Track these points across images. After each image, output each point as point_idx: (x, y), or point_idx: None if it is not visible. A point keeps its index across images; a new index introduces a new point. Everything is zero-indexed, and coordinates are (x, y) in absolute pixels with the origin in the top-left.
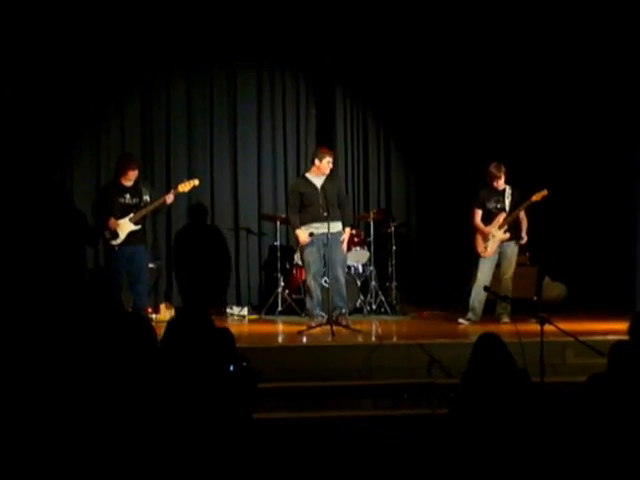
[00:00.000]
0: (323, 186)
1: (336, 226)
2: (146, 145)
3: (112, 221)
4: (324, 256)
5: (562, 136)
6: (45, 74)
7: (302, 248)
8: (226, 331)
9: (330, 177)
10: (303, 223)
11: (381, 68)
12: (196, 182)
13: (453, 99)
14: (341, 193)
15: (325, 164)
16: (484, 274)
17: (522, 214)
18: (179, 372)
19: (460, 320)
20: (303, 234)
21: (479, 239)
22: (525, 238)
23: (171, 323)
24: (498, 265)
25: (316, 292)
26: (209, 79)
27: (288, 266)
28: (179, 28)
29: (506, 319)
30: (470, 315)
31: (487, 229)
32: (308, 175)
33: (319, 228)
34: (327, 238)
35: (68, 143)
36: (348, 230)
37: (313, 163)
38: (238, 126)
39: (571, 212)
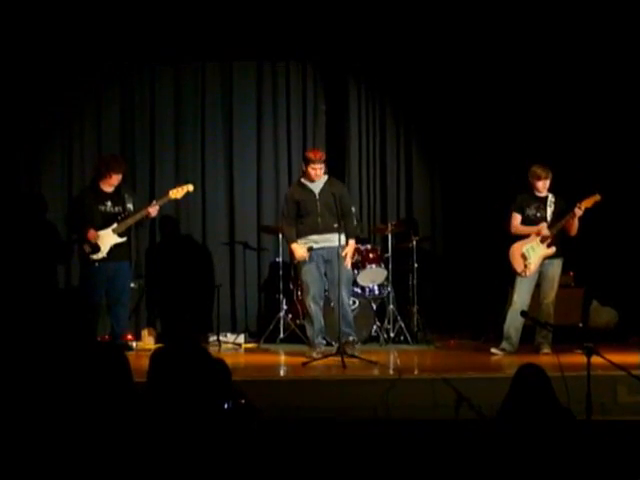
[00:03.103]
0: (322, 193)
1: (338, 239)
2: (126, 147)
3: (92, 232)
4: (325, 274)
5: (617, 137)
6: (9, 62)
7: (299, 266)
8: (220, 362)
9: (331, 182)
10: (300, 236)
11: (401, 57)
12: (190, 187)
13: (486, 92)
14: (344, 200)
15: (310, 170)
16: (521, 297)
17: (575, 222)
18: (166, 413)
19: (493, 350)
20: (300, 249)
21: (516, 255)
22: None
23: (157, 356)
24: (538, 286)
25: (317, 317)
26: (201, 70)
27: (292, 286)
28: (167, 15)
29: (547, 349)
30: (504, 345)
31: (536, 228)
32: (303, 180)
33: (318, 242)
34: (329, 253)
35: (36, 144)
36: (352, 243)
37: (302, 166)
38: (234, 124)
39: (623, 225)
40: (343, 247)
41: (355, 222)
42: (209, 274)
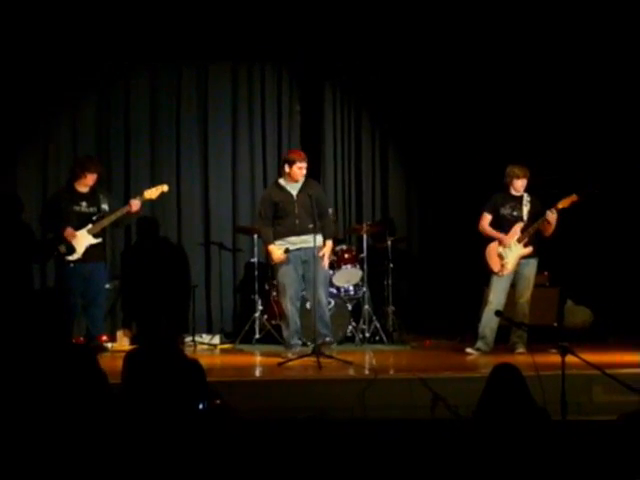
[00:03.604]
0: (300, 194)
1: (316, 240)
2: (102, 148)
3: (69, 231)
4: (303, 276)
5: (590, 138)
6: None
7: (276, 267)
8: (195, 363)
9: (308, 183)
10: (277, 237)
11: (376, 59)
12: (165, 188)
13: (462, 94)
14: (321, 201)
15: (295, 170)
16: (497, 296)
17: (551, 223)
18: (140, 414)
19: (468, 350)
20: (277, 250)
21: (492, 254)
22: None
23: (131, 357)
24: (513, 286)
25: (293, 318)
26: (177, 72)
27: (267, 287)
28: (142, 17)
29: (522, 349)
30: (480, 344)
31: (502, 236)
32: (282, 182)
33: (296, 243)
34: (306, 254)
35: (11, 145)
36: (329, 244)
37: (284, 169)
38: (210, 126)
39: (598, 225)
40: (320, 248)
41: (332, 224)
42: (185, 275)
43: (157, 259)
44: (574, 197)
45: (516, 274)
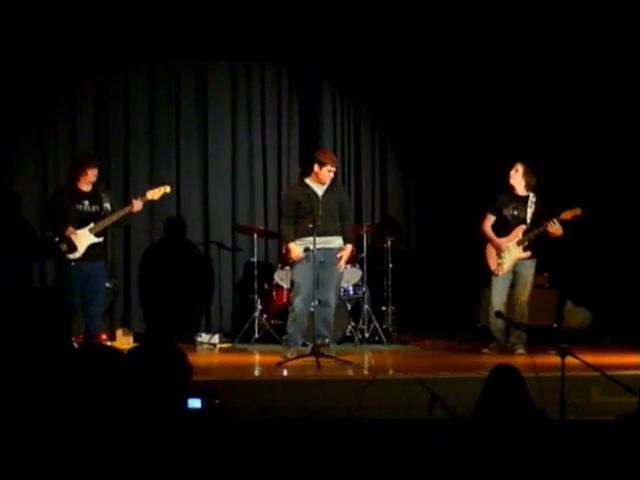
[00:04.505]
0: (325, 195)
1: (335, 242)
2: (100, 147)
3: (71, 230)
4: (317, 276)
5: (590, 139)
6: None
7: (293, 265)
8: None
9: (332, 185)
10: (297, 236)
11: (375, 58)
12: (167, 189)
13: (462, 93)
14: (344, 204)
15: (325, 172)
16: (497, 297)
17: (554, 229)
18: (138, 413)
19: (484, 350)
20: (297, 248)
21: (492, 254)
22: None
23: (132, 354)
24: (512, 286)
25: (301, 318)
26: (175, 70)
27: (267, 287)
28: (141, 15)
29: (521, 350)
30: (493, 345)
31: (498, 241)
32: (308, 181)
33: (316, 243)
34: (324, 255)
35: (10, 144)
36: (349, 247)
37: (312, 168)
38: (209, 125)
39: (597, 226)
40: (341, 250)
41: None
42: (189, 274)
43: (178, 258)
44: (578, 211)
45: (514, 274)
